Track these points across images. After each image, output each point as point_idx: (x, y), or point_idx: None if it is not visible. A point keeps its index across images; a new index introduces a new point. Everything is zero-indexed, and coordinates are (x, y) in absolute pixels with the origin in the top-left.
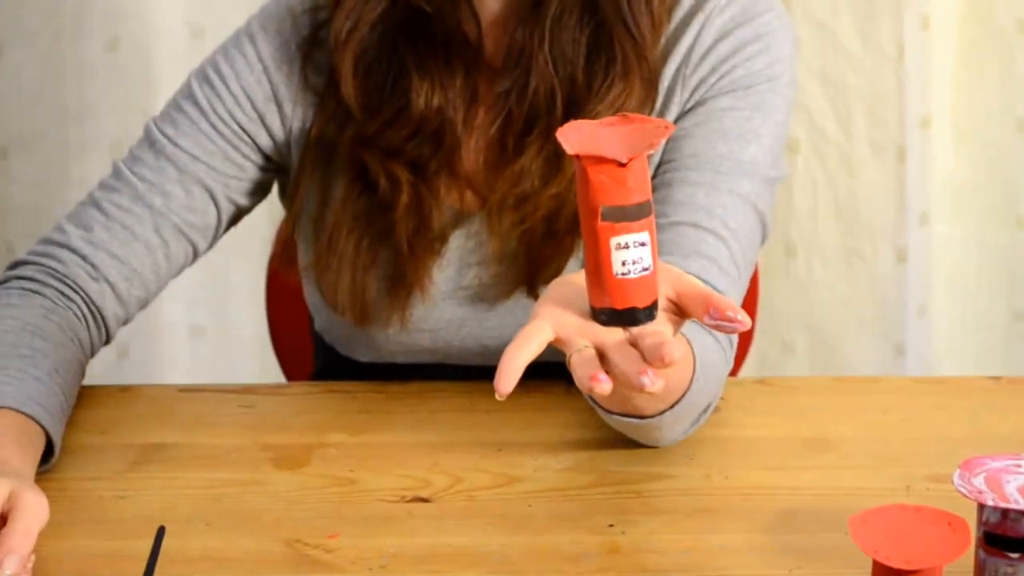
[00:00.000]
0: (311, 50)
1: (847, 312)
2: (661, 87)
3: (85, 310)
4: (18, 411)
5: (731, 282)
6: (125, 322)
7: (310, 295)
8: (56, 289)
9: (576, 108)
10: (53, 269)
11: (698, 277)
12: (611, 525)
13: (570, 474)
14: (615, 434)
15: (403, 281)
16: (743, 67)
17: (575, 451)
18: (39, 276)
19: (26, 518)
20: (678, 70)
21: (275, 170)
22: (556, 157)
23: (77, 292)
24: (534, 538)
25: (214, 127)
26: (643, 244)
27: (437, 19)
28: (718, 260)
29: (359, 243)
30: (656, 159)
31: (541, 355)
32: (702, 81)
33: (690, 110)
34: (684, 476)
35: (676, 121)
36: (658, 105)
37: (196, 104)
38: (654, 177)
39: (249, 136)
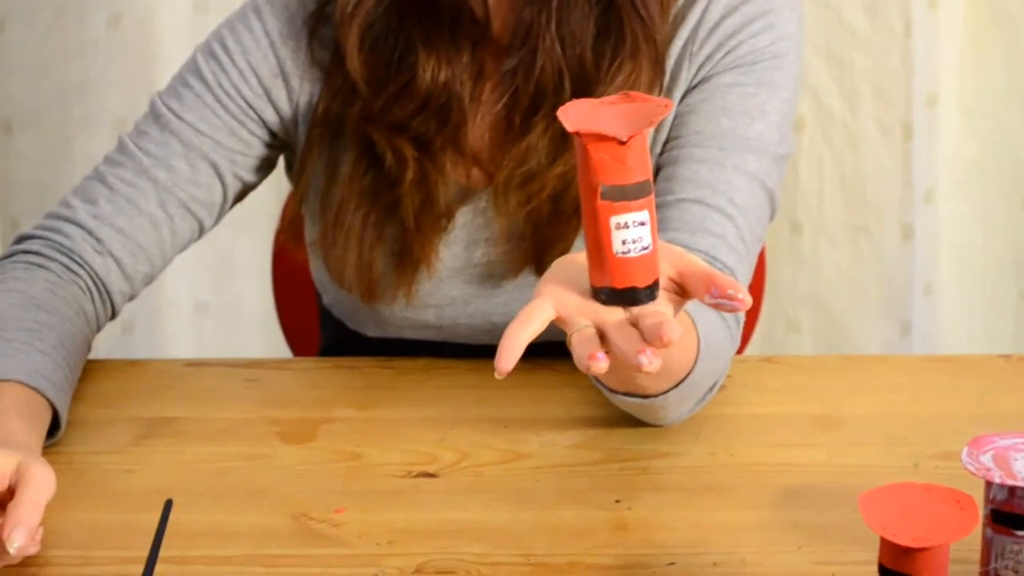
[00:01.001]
0: (317, 25)
1: (853, 290)
2: (667, 64)
3: (91, 284)
4: (24, 384)
5: (738, 258)
6: (131, 297)
7: (317, 271)
8: (61, 263)
9: (584, 88)
10: (58, 243)
11: (706, 254)
12: (618, 501)
13: (577, 451)
14: (621, 412)
15: (409, 257)
16: (748, 43)
17: (582, 428)
18: (44, 250)
19: (33, 490)
20: (684, 47)
21: (281, 146)
22: (563, 137)
23: (82, 266)
24: (541, 513)
25: (220, 102)
26: (643, 223)
27: None
28: (725, 236)
29: (366, 219)
30: (663, 136)
31: (548, 334)
32: (708, 58)
33: (696, 86)
34: (690, 453)
35: (682, 98)
36: (665, 83)
37: (202, 79)
38: (661, 154)
39: (255, 111)
